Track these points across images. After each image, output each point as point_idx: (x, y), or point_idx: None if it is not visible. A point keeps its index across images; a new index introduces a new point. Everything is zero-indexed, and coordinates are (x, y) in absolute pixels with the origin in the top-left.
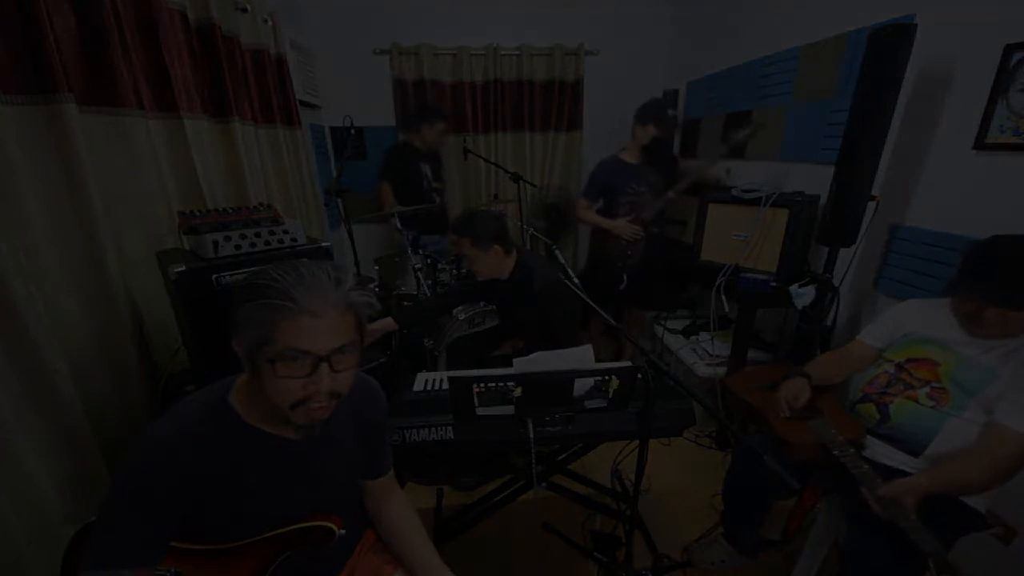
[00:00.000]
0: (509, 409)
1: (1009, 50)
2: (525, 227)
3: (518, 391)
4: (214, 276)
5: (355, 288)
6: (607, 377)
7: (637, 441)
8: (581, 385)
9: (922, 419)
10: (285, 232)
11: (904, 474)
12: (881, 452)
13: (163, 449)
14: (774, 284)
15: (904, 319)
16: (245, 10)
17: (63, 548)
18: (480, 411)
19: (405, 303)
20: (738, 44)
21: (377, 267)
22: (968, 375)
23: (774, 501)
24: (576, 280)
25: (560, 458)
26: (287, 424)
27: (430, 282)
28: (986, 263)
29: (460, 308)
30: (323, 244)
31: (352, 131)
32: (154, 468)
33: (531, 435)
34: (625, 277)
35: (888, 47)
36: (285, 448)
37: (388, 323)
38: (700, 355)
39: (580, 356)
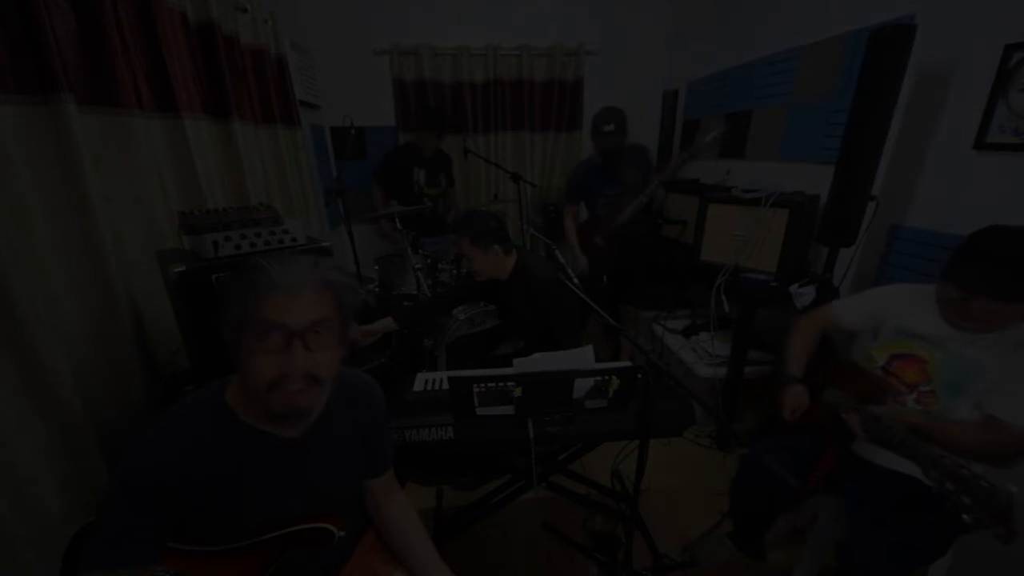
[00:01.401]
0: (509, 409)
1: (1009, 50)
2: (525, 227)
3: (518, 391)
4: (214, 276)
5: (334, 269)
6: (607, 377)
7: (637, 441)
8: (581, 385)
9: (916, 417)
10: (285, 232)
11: (899, 475)
12: (874, 450)
13: (160, 449)
14: (774, 284)
15: (888, 307)
16: (245, 10)
17: (63, 548)
18: (480, 411)
19: (405, 303)
20: (738, 44)
21: (377, 267)
22: (954, 372)
23: (782, 505)
24: (576, 280)
25: (560, 458)
26: (284, 422)
27: (430, 282)
28: (979, 253)
29: (460, 308)
30: (323, 244)
31: (352, 131)
32: (151, 468)
33: (531, 435)
34: (605, 277)
35: (888, 47)
36: (282, 447)
37: (388, 323)
38: (700, 355)
39: (580, 356)
